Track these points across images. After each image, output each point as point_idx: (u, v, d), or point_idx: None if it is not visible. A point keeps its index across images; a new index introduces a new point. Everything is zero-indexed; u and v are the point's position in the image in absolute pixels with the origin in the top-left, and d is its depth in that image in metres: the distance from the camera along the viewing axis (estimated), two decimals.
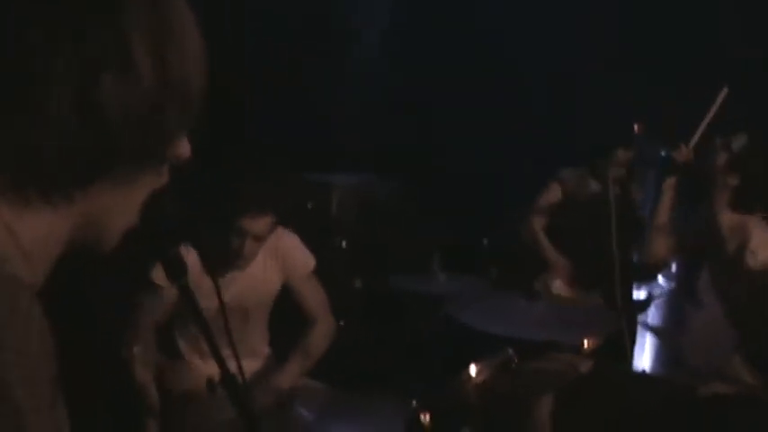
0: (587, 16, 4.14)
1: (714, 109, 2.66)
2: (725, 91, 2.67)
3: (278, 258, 2.47)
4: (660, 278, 3.26)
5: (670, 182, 2.78)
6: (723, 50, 3.92)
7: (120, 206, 0.70)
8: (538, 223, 3.45)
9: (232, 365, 1.21)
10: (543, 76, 4.18)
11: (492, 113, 4.24)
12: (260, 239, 2.30)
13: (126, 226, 0.73)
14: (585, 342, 2.34)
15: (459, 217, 4.17)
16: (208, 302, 1.25)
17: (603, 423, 2.11)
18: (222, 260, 2.34)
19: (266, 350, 2.61)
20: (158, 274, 2.17)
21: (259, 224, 2.26)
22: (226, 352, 1.21)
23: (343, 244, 3.78)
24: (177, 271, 1.15)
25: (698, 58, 3.88)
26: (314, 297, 2.53)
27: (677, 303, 2.93)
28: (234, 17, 3.62)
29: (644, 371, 2.98)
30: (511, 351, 2.16)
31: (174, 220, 1.02)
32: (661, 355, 3.01)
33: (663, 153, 2.78)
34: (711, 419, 2.13)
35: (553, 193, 3.45)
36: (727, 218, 2.52)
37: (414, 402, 1.98)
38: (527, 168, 4.09)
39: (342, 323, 2.82)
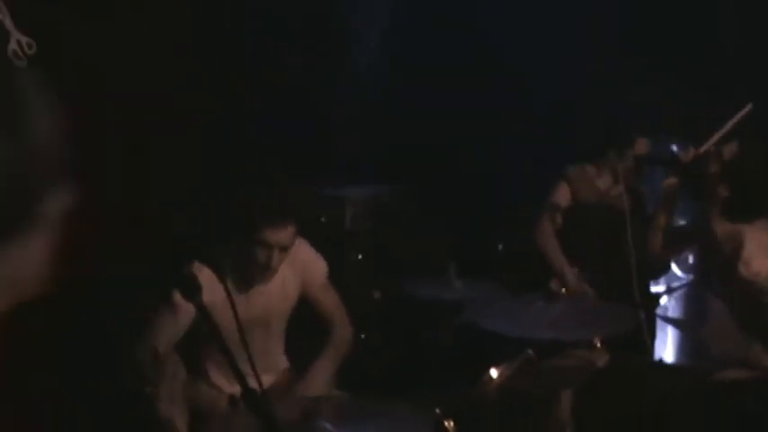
0: (587, 16, 4.13)
1: (733, 122, 2.65)
2: (749, 107, 2.65)
3: (296, 269, 2.48)
4: (677, 270, 3.26)
5: (670, 181, 2.77)
6: (723, 50, 3.93)
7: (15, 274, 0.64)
8: (549, 227, 3.41)
9: (253, 381, 1.20)
10: (543, 76, 4.16)
11: (492, 113, 4.22)
12: (286, 250, 2.31)
13: (42, 276, 0.66)
14: (597, 341, 2.32)
15: (460, 217, 4.15)
16: (230, 319, 1.24)
17: (624, 414, 2.11)
18: (249, 276, 2.34)
19: (285, 363, 2.63)
20: (177, 295, 2.13)
21: (283, 235, 2.26)
22: (246, 368, 1.19)
23: (359, 256, 3.75)
24: (192, 290, 1.15)
25: (698, 59, 3.89)
26: (332, 303, 2.57)
27: (697, 294, 2.94)
28: (234, 17, 3.58)
29: (661, 360, 2.99)
30: (531, 352, 2.15)
31: (183, 237, 1.01)
32: (683, 347, 3.02)
33: (674, 149, 2.77)
34: (730, 404, 2.13)
35: (563, 194, 3.40)
36: (720, 225, 2.50)
37: (437, 410, 1.96)
38: (527, 168, 4.08)
39: (363, 336, 2.81)
